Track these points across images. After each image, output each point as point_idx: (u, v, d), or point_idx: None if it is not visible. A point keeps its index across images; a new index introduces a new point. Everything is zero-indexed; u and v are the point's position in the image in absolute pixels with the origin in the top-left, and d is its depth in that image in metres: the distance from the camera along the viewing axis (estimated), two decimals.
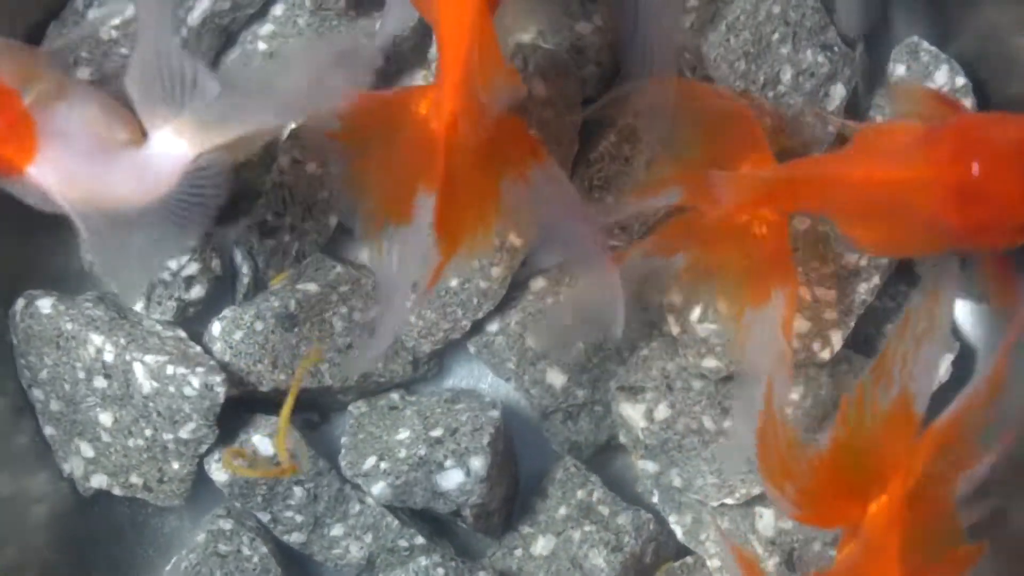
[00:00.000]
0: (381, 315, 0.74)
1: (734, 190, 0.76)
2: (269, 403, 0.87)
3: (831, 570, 0.74)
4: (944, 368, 0.86)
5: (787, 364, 0.76)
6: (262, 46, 0.90)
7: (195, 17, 0.88)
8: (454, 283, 0.86)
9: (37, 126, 0.72)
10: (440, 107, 0.69)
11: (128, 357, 0.84)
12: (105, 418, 0.85)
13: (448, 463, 0.84)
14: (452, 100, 0.68)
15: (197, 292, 0.88)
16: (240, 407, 0.87)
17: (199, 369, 0.84)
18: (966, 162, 0.71)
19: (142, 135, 0.75)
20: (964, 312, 0.90)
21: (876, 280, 0.84)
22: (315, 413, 0.92)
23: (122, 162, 0.74)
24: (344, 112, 0.73)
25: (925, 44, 0.85)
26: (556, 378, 0.89)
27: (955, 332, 0.88)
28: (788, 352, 0.76)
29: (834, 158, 0.78)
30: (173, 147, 0.74)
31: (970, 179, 0.70)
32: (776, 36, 0.85)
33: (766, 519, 0.86)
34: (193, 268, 0.87)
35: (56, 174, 0.73)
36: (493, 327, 0.89)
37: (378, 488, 0.84)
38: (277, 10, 0.90)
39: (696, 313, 0.85)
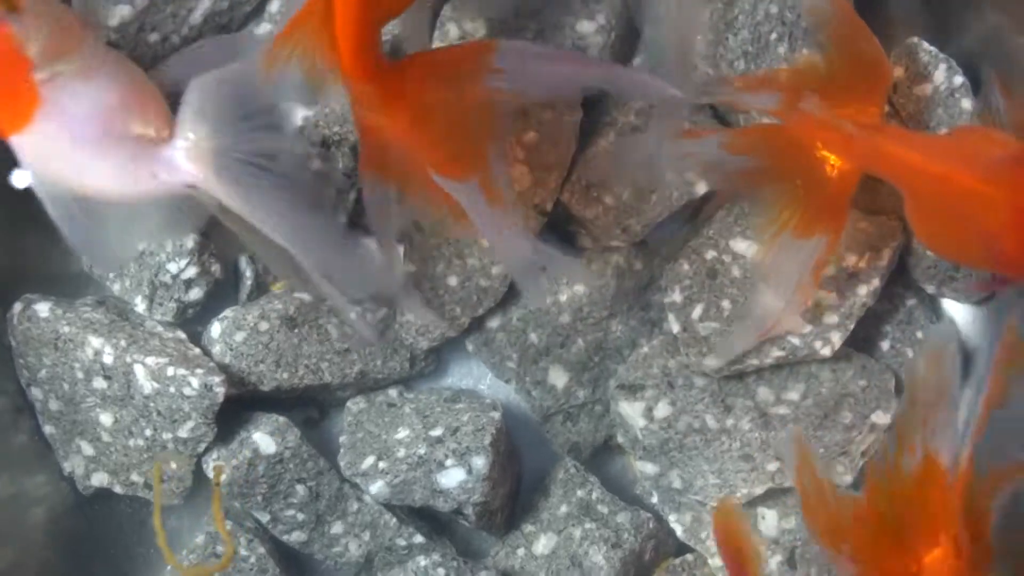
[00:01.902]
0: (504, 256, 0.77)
1: (820, 126, 0.76)
2: (268, 400, 0.88)
3: None
4: None
5: (804, 300, 0.78)
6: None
7: (196, 17, 0.88)
8: (454, 281, 0.87)
9: (40, 100, 0.70)
10: (363, 102, 0.70)
11: (129, 359, 0.84)
12: (105, 418, 0.85)
13: (449, 462, 0.84)
14: (361, 86, 0.69)
15: (196, 294, 0.88)
16: (239, 405, 0.87)
17: (199, 370, 0.84)
18: None
19: (166, 130, 0.73)
20: (964, 313, 0.90)
21: (876, 283, 0.84)
22: (315, 410, 0.92)
23: (116, 155, 0.72)
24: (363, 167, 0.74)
25: (924, 44, 0.85)
26: (558, 378, 0.89)
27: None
28: (809, 292, 0.78)
29: (924, 141, 0.78)
30: (182, 168, 0.73)
31: None
32: (774, 36, 0.85)
33: (768, 520, 0.86)
34: (192, 271, 0.87)
35: (35, 150, 0.71)
36: (494, 323, 0.89)
37: (376, 487, 0.84)
38: (273, 7, 0.89)
39: (698, 311, 0.85)
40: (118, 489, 0.87)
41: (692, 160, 0.81)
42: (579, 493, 0.88)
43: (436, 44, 0.87)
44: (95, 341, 0.84)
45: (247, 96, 0.71)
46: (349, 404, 0.89)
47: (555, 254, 0.76)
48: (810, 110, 0.77)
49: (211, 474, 0.85)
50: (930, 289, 0.88)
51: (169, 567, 0.88)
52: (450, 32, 0.87)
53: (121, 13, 0.86)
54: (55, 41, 0.70)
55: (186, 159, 0.72)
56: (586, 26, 0.87)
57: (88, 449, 0.86)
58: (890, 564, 0.72)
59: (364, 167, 0.75)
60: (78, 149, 0.71)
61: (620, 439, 0.88)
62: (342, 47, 0.67)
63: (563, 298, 0.88)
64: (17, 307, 0.86)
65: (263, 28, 0.90)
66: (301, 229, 0.73)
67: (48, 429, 0.87)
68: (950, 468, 0.71)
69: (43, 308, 0.86)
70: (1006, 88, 0.80)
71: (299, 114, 0.84)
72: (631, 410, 0.86)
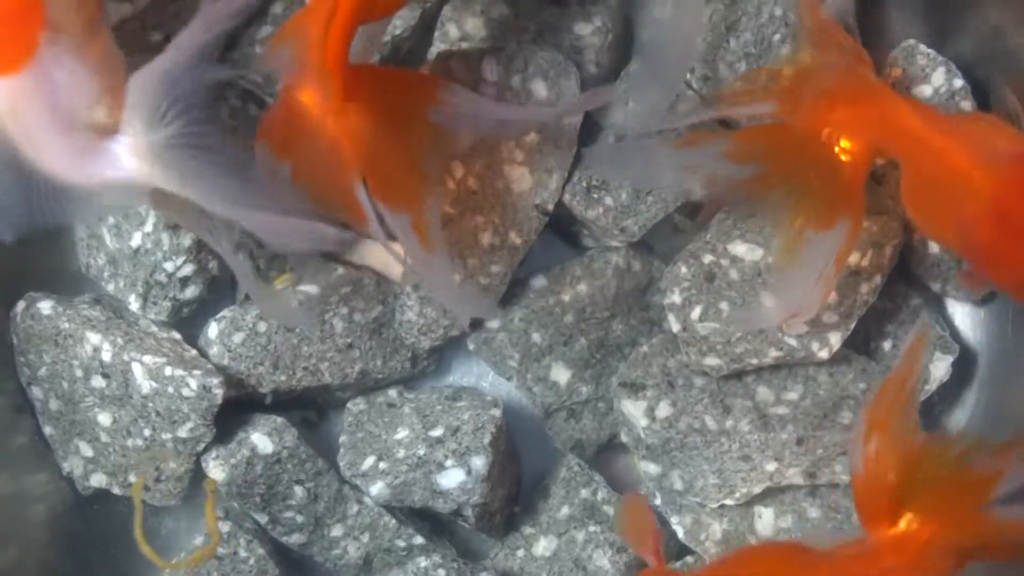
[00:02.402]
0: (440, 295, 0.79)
1: (835, 90, 0.77)
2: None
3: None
4: (944, 370, 0.86)
5: (828, 290, 0.78)
6: (258, 50, 0.90)
7: None
8: (455, 280, 0.87)
9: (33, 59, 0.70)
10: (325, 97, 0.70)
11: (126, 357, 0.84)
12: (104, 418, 0.85)
13: (448, 462, 0.84)
14: (333, 83, 0.69)
15: (192, 292, 0.87)
16: (238, 406, 0.87)
17: (196, 371, 0.84)
18: None
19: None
20: (963, 314, 0.90)
21: (877, 280, 0.84)
22: (313, 411, 0.92)
23: (73, 139, 0.72)
24: (263, 137, 0.73)
25: (922, 46, 0.85)
26: (560, 374, 0.89)
27: (955, 335, 0.89)
28: (834, 281, 0.78)
29: (934, 115, 0.77)
30: (120, 163, 0.73)
31: (1018, 215, 0.70)
32: (777, 37, 0.85)
33: (765, 519, 0.86)
34: (188, 269, 0.86)
35: (5, 100, 0.71)
36: (494, 323, 0.89)
37: (376, 488, 0.84)
38: (277, 8, 0.90)
39: (697, 312, 0.85)
40: (116, 490, 0.87)
41: (693, 173, 0.80)
42: (583, 493, 0.88)
43: (436, 45, 0.87)
44: (93, 337, 0.84)
45: (182, 81, 0.72)
46: (349, 405, 0.89)
47: (473, 295, 0.81)
48: (817, 89, 0.77)
49: (211, 474, 0.85)
50: (935, 288, 0.88)
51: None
52: (450, 32, 0.87)
53: (122, 11, 0.87)
54: (72, 11, 0.71)
55: (128, 154, 0.73)
56: (583, 28, 0.88)
57: (87, 450, 0.86)
58: (875, 501, 0.72)
59: (270, 138, 0.74)
60: (44, 122, 0.71)
61: (624, 438, 0.88)
62: (331, 41, 0.68)
63: (566, 298, 0.88)
64: (21, 305, 0.87)
65: (265, 31, 0.90)
66: (243, 199, 0.73)
67: (48, 430, 0.87)
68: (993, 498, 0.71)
69: (45, 306, 0.86)
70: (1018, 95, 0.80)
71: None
72: (633, 409, 0.86)
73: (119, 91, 0.73)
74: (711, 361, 0.85)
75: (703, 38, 0.85)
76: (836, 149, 0.77)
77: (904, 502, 0.71)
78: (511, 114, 0.83)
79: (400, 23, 0.89)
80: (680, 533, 0.88)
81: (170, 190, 0.73)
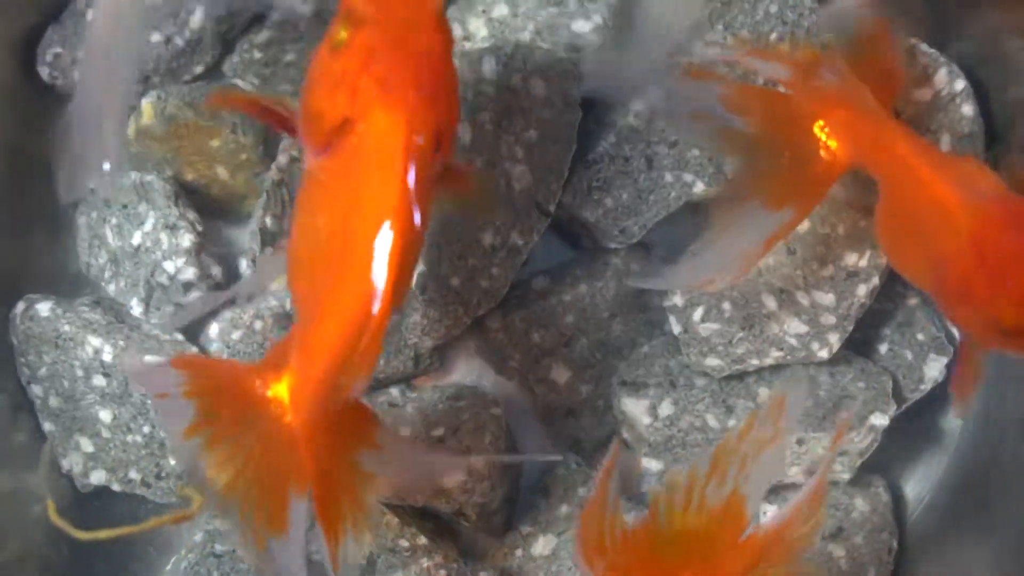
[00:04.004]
0: None
1: (836, 98, 0.76)
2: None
3: None
4: (938, 370, 0.87)
5: (747, 267, 0.77)
6: (257, 55, 0.90)
7: (196, 21, 0.88)
8: (456, 282, 0.87)
9: None
10: (298, 400, 0.66)
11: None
12: (104, 415, 0.86)
13: None
14: (317, 396, 0.65)
15: (195, 297, 0.87)
16: None
17: None
18: (1005, 243, 0.70)
19: None
20: None
21: (875, 281, 0.85)
22: None
23: None
24: (185, 382, 0.67)
25: (923, 47, 0.85)
26: (561, 374, 0.89)
27: (948, 337, 0.89)
28: (754, 261, 0.77)
29: (925, 146, 0.76)
30: None
31: (994, 256, 0.70)
32: (774, 35, 0.85)
33: (769, 514, 0.87)
34: (190, 273, 0.86)
35: None
36: (495, 324, 0.89)
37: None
38: (275, 15, 0.89)
39: (699, 313, 0.85)
40: (116, 487, 0.87)
41: (687, 104, 0.79)
42: (581, 492, 0.88)
43: None
44: (94, 340, 0.85)
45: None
46: None
47: None
48: (827, 83, 0.76)
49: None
50: None
51: (169, 567, 0.88)
52: (454, 32, 0.87)
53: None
54: None
55: None
56: (583, 26, 0.88)
57: (88, 446, 0.86)
58: None
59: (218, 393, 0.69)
60: None
61: (625, 435, 0.88)
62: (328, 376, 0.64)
63: (567, 298, 0.88)
64: (20, 306, 0.87)
65: (263, 36, 0.90)
66: None
67: (48, 426, 0.87)
68: (749, 517, 0.68)
69: (44, 308, 0.86)
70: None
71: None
72: (635, 407, 0.86)
73: None
74: (712, 362, 0.85)
75: (693, 26, 0.85)
76: (820, 143, 0.77)
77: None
78: (440, 462, 0.81)
79: None
80: None
81: None
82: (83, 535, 0.84)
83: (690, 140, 0.85)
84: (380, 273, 0.60)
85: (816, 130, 0.77)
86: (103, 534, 0.84)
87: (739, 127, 0.78)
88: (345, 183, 0.63)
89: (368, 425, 0.71)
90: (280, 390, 0.67)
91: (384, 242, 0.60)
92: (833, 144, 0.77)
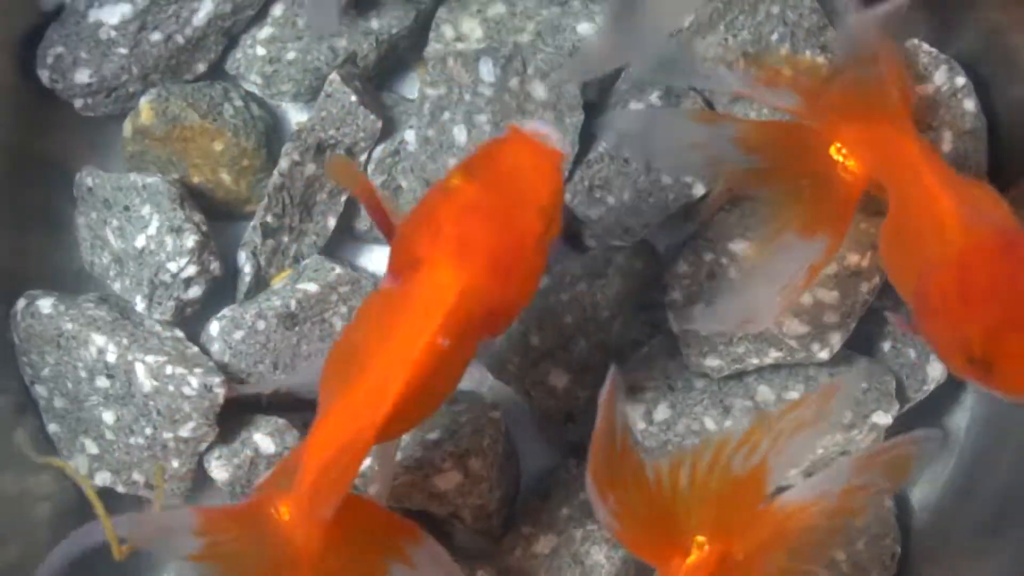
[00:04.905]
0: None
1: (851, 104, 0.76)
2: (271, 402, 0.88)
3: None
4: (942, 370, 0.86)
5: (792, 301, 0.78)
6: (261, 51, 0.90)
7: (200, 18, 0.88)
8: None
9: None
10: (304, 515, 0.66)
11: (130, 357, 0.84)
12: (108, 416, 0.86)
13: (446, 464, 0.84)
14: (320, 508, 0.65)
15: (195, 292, 0.88)
16: (241, 406, 0.87)
17: (197, 370, 0.84)
18: (991, 269, 0.69)
19: None
20: None
21: (877, 280, 0.84)
22: (314, 413, 0.92)
23: None
24: (200, 530, 0.66)
25: (924, 45, 0.85)
26: (559, 379, 0.88)
27: None
28: (799, 294, 0.78)
29: (936, 162, 0.75)
30: None
31: (977, 278, 0.69)
32: (775, 36, 0.85)
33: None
34: (192, 270, 0.87)
35: None
36: None
37: (374, 489, 0.84)
38: (276, 10, 0.90)
39: (698, 311, 0.85)
40: (120, 488, 0.87)
41: (700, 151, 0.79)
42: (581, 496, 0.87)
43: (432, 45, 0.87)
44: (98, 339, 0.85)
45: None
46: None
47: None
48: (835, 102, 0.76)
49: (213, 474, 0.86)
50: None
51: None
52: (446, 33, 0.87)
53: (122, 11, 0.87)
54: None
55: None
56: (586, 27, 0.87)
57: (92, 447, 0.87)
58: (653, 542, 0.70)
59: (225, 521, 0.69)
60: None
61: None
62: (337, 473, 0.65)
63: (565, 297, 0.88)
64: (20, 303, 0.87)
65: (265, 32, 0.90)
66: None
67: (52, 428, 0.88)
68: (768, 492, 0.69)
69: (46, 304, 0.86)
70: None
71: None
72: (630, 412, 0.86)
73: None
74: (712, 362, 0.85)
75: (688, 25, 0.85)
76: (839, 166, 0.77)
77: (683, 532, 0.69)
78: None
79: (395, 23, 0.89)
80: None
81: None
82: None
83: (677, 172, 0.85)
84: (381, 408, 0.64)
85: (833, 152, 0.77)
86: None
87: (757, 165, 0.78)
88: (391, 315, 0.67)
89: (400, 538, 0.72)
90: (287, 508, 0.68)
91: (394, 384, 0.65)
92: (851, 164, 0.77)
